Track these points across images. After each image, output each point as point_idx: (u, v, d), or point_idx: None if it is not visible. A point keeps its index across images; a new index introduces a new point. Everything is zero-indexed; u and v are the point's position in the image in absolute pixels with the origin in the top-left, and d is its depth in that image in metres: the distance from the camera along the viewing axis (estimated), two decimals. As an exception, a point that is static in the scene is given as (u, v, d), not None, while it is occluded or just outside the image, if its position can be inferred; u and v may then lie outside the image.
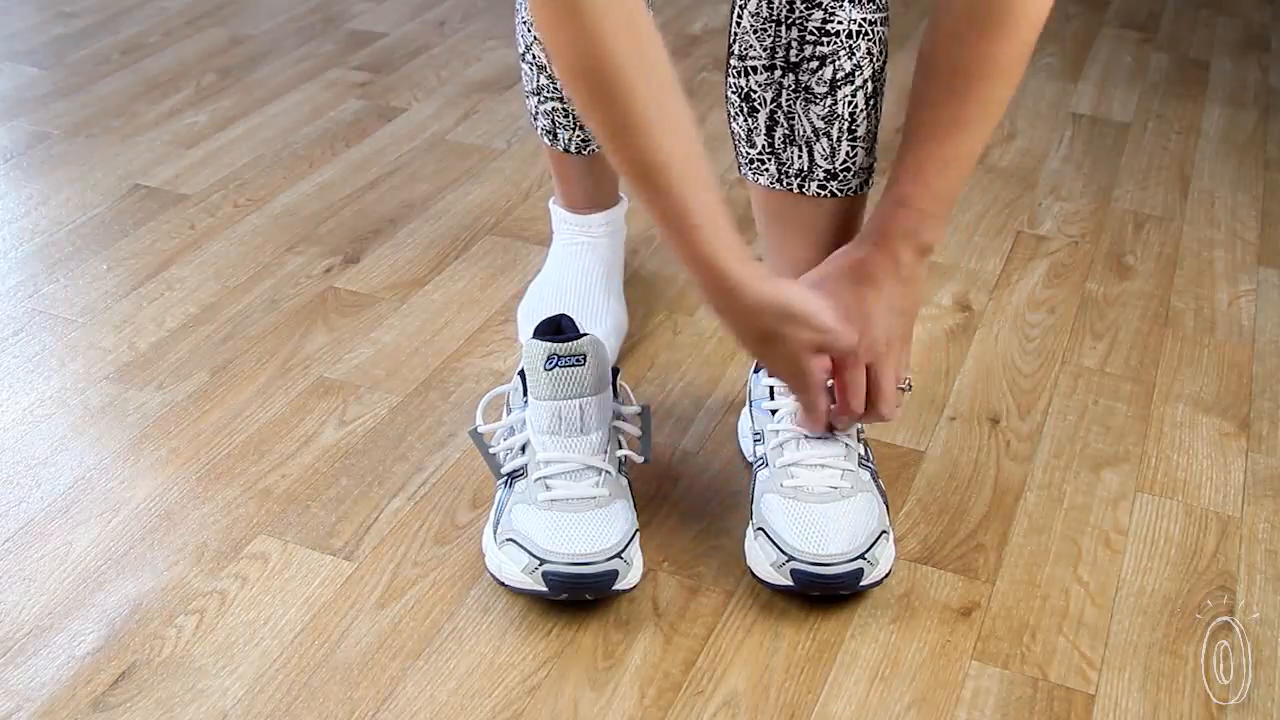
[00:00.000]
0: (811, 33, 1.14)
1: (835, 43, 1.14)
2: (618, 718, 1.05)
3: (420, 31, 2.40)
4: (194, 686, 1.07)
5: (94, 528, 1.22)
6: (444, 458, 1.32)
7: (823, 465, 1.18)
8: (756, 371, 1.27)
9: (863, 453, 1.22)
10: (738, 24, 1.17)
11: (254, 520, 1.24)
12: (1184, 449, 1.38)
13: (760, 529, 1.16)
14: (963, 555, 1.22)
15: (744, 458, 1.33)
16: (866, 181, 1.21)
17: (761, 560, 1.15)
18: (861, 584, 1.13)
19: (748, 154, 1.23)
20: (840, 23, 1.13)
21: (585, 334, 1.19)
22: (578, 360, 1.17)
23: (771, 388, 1.22)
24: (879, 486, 1.21)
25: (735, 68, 1.19)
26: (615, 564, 1.10)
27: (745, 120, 1.21)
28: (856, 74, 1.15)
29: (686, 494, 1.29)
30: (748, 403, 1.31)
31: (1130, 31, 2.49)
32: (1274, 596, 1.19)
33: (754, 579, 1.17)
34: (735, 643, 1.12)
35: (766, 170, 1.21)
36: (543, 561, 1.10)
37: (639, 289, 1.62)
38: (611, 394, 1.20)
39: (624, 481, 1.19)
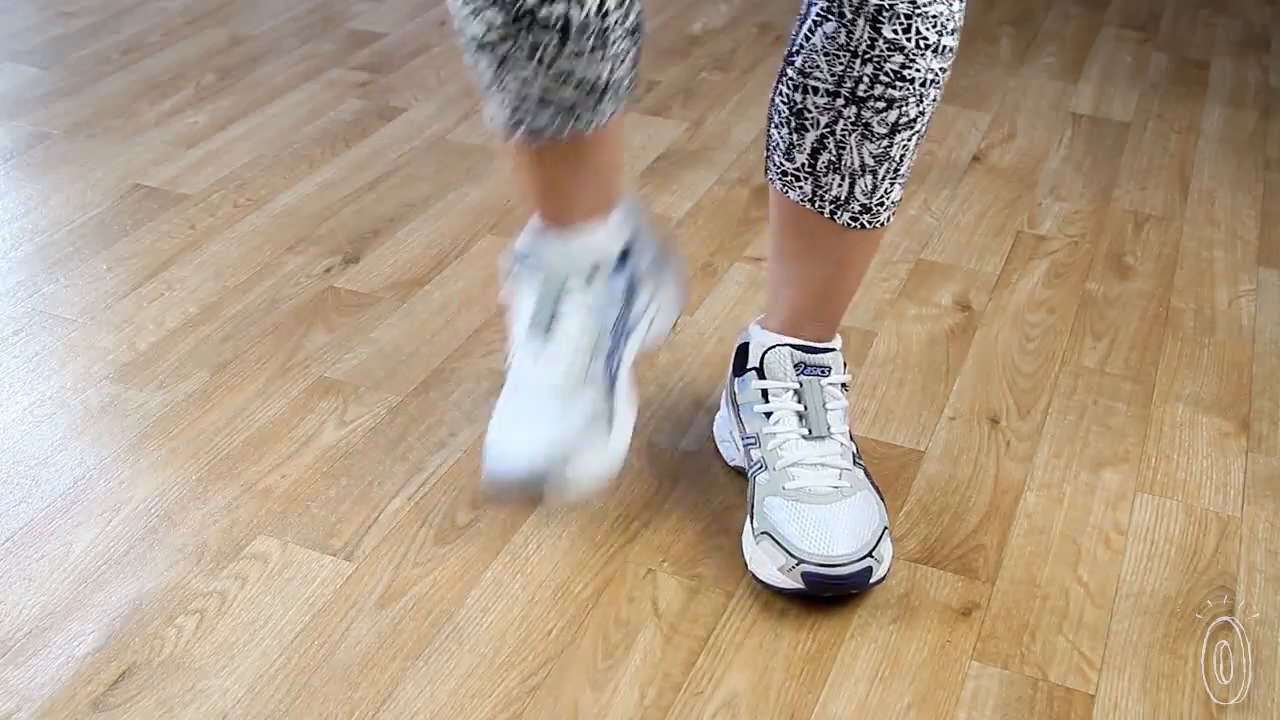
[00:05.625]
0: (887, 74, 1.08)
1: (908, 89, 1.09)
2: (618, 718, 1.05)
3: (420, 31, 2.40)
4: (194, 686, 1.07)
5: (94, 528, 1.22)
6: (444, 458, 1.32)
7: (822, 464, 1.18)
8: (740, 375, 1.26)
9: (855, 451, 1.22)
10: (807, 39, 1.11)
11: (254, 520, 1.24)
12: (1184, 449, 1.38)
13: (765, 533, 1.16)
14: (963, 555, 1.22)
15: (724, 461, 1.32)
16: (894, 213, 1.19)
17: (768, 565, 1.15)
18: (870, 582, 1.14)
19: (782, 165, 1.18)
20: (918, 70, 1.08)
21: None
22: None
23: (765, 390, 1.22)
24: (874, 484, 1.21)
25: (793, 80, 1.13)
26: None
27: (789, 134, 1.16)
28: (919, 120, 1.12)
29: (686, 494, 1.29)
30: (728, 406, 1.30)
31: (1130, 31, 2.49)
32: (1274, 596, 1.19)
33: (758, 583, 1.17)
34: (735, 643, 1.12)
35: (799, 188, 1.17)
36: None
37: (639, 289, 1.62)
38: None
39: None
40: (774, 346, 1.22)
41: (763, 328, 1.26)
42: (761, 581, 1.16)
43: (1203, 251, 1.75)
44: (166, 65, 2.22)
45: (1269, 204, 1.88)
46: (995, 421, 1.41)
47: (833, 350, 1.23)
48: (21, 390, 1.41)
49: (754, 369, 1.24)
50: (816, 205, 1.17)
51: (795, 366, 1.22)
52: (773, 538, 1.15)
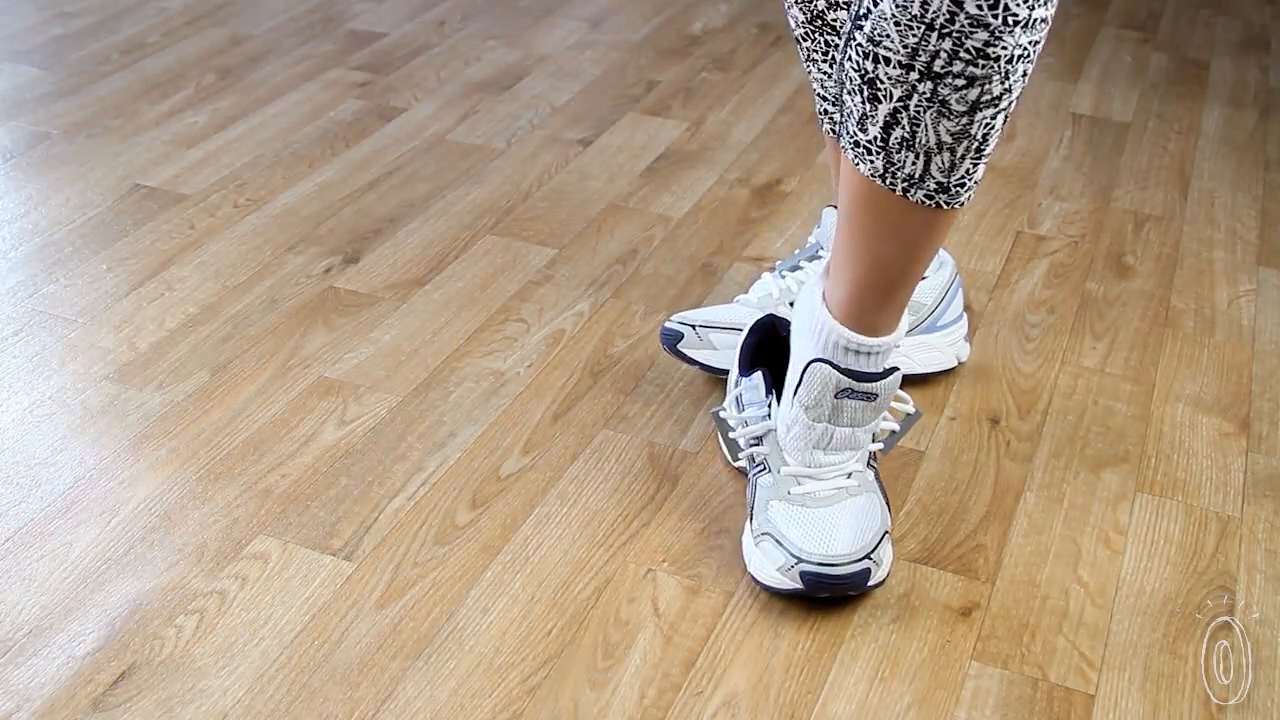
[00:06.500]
0: (969, 51, 0.98)
1: (992, 67, 0.99)
2: (618, 718, 1.05)
3: (420, 31, 2.40)
4: (194, 686, 1.07)
5: (94, 528, 1.22)
6: (444, 458, 1.32)
7: (833, 470, 1.18)
8: (747, 375, 1.26)
9: (872, 454, 1.21)
10: (875, 3, 1.01)
11: (254, 520, 1.24)
12: (1184, 449, 1.38)
13: (766, 534, 1.16)
14: (963, 555, 1.22)
15: (724, 461, 1.32)
16: (975, 193, 1.10)
17: (767, 566, 1.14)
18: (869, 584, 1.13)
19: (855, 135, 1.08)
20: (1005, 47, 0.98)
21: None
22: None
23: (797, 403, 1.20)
24: (881, 486, 1.21)
25: (863, 47, 1.03)
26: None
27: (864, 104, 1.05)
28: (1004, 98, 1.02)
29: (686, 494, 1.29)
30: (735, 405, 1.29)
31: (1130, 31, 2.49)
32: (1274, 596, 1.19)
33: (757, 585, 1.17)
34: (735, 643, 1.12)
35: (870, 161, 1.07)
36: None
37: (639, 289, 1.62)
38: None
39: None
40: (817, 361, 1.15)
41: (824, 300, 1.17)
42: (759, 583, 1.16)
43: (1203, 251, 1.75)
44: (166, 65, 2.22)
45: (1269, 204, 1.88)
46: (995, 421, 1.41)
47: (885, 377, 1.16)
48: (21, 390, 1.41)
49: (798, 381, 1.18)
50: (888, 183, 1.07)
51: (839, 393, 1.15)
52: (774, 539, 1.15)
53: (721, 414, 1.27)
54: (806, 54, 1.37)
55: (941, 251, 1.45)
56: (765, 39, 2.40)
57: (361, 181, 1.87)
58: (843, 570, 1.12)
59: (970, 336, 1.53)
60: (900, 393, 1.23)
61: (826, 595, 1.14)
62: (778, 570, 1.14)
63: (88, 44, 2.29)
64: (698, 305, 1.59)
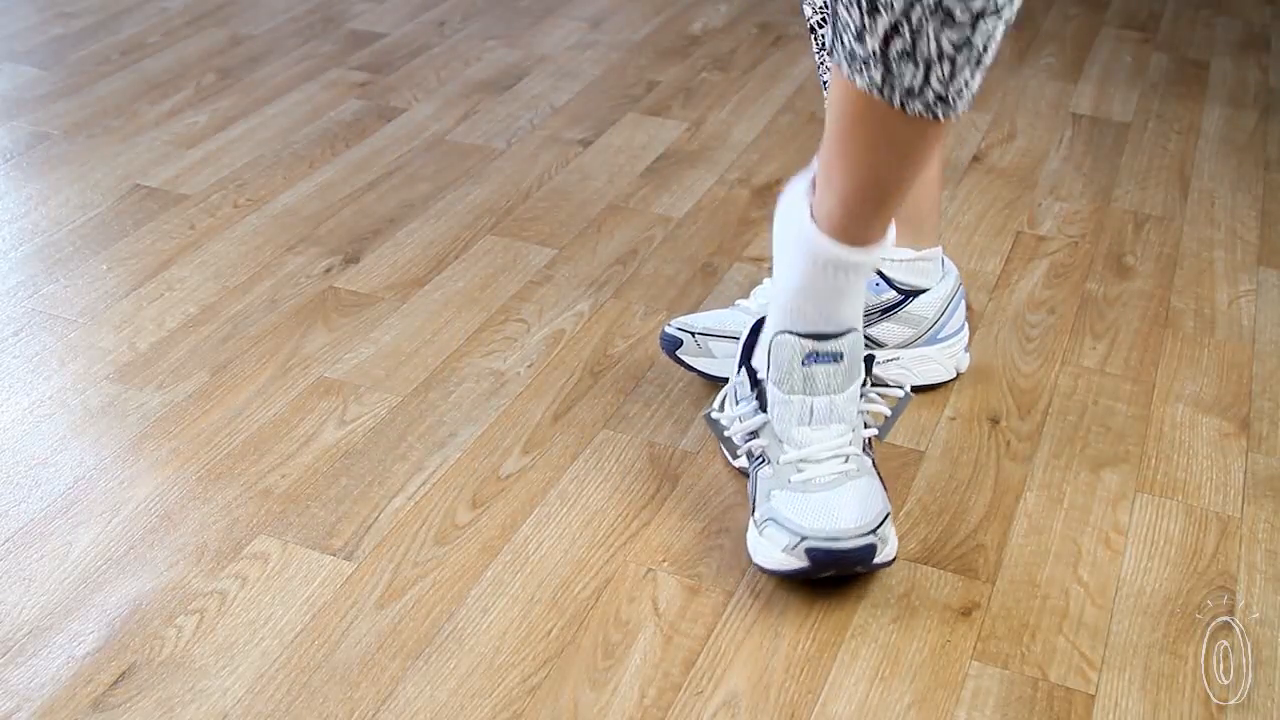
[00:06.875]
0: None
1: None
2: (618, 718, 1.05)
3: (420, 31, 2.40)
4: (194, 686, 1.07)
5: (94, 528, 1.22)
6: (444, 458, 1.32)
7: (829, 454, 1.18)
8: (740, 370, 1.26)
9: (866, 441, 1.22)
10: None
11: (254, 520, 1.24)
12: (1184, 449, 1.38)
13: (769, 519, 1.16)
14: (963, 555, 1.22)
15: (724, 461, 1.32)
16: (969, 103, 1.08)
17: (772, 550, 1.14)
18: (874, 561, 1.13)
19: (851, 48, 1.05)
20: None
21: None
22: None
23: (771, 380, 1.21)
24: (879, 474, 1.21)
25: None
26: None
27: (862, 16, 1.03)
28: (1007, 8, 1.01)
29: (686, 494, 1.29)
30: (732, 402, 1.30)
31: (1130, 31, 2.49)
32: (1274, 596, 1.19)
33: (761, 573, 1.17)
34: (735, 643, 1.12)
35: (868, 74, 1.05)
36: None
37: (639, 289, 1.62)
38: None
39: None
40: (779, 334, 1.19)
41: (812, 217, 1.17)
42: (765, 569, 1.16)
43: (1203, 251, 1.75)
44: (166, 65, 2.22)
45: (1269, 204, 1.88)
46: (995, 421, 1.41)
47: (846, 333, 1.18)
48: (21, 390, 1.41)
49: (762, 359, 1.22)
50: (885, 95, 1.06)
51: (805, 359, 1.18)
52: (777, 522, 1.15)
53: (714, 415, 1.27)
54: (821, 42, 1.35)
55: (946, 261, 1.45)
56: (765, 39, 2.40)
57: (361, 181, 1.87)
58: (848, 545, 1.12)
59: (970, 338, 1.53)
60: (892, 379, 1.24)
61: (832, 573, 1.14)
62: (783, 551, 1.13)
63: (88, 44, 2.29)
64: (698, 306, 1.59)
